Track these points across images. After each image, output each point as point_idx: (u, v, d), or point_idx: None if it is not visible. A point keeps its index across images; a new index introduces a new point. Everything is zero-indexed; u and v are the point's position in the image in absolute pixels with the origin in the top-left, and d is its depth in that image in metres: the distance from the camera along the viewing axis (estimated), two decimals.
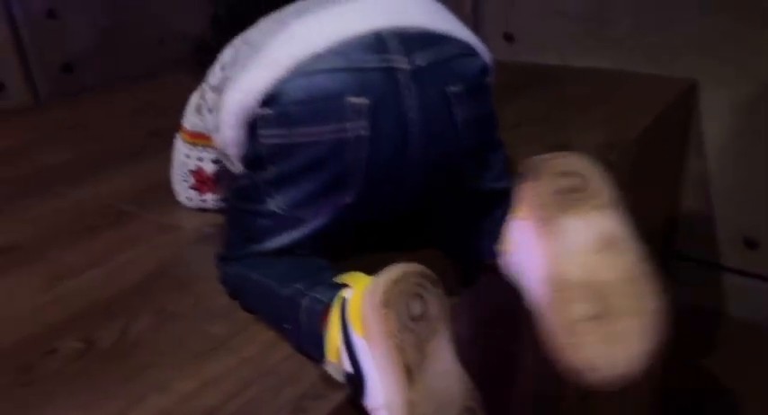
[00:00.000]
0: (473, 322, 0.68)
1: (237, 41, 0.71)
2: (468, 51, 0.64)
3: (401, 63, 0.59)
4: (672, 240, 1.36)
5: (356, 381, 0.52)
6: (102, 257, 0.77)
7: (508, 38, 1.43)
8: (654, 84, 1.24)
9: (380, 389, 0.50)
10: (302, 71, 0.59)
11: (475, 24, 1.46)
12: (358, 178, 0.60)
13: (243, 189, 0.66)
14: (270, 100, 0.60)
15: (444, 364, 0.50)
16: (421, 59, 0.60)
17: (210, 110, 0.71)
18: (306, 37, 0.60)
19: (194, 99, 0.80)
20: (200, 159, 0.81)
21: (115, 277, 0.73)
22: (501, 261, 0.61)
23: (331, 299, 0.54)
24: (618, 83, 1.27)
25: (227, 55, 0.71)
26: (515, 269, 0.59)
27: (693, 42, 1.23)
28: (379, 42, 0.59)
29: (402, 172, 0.61)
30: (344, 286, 0.55)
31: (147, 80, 1.44)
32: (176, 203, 0.87)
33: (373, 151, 0.59)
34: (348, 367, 0.52)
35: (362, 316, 0.50)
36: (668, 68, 1.27)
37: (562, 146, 0.93)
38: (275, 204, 0.62)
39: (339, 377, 0.54)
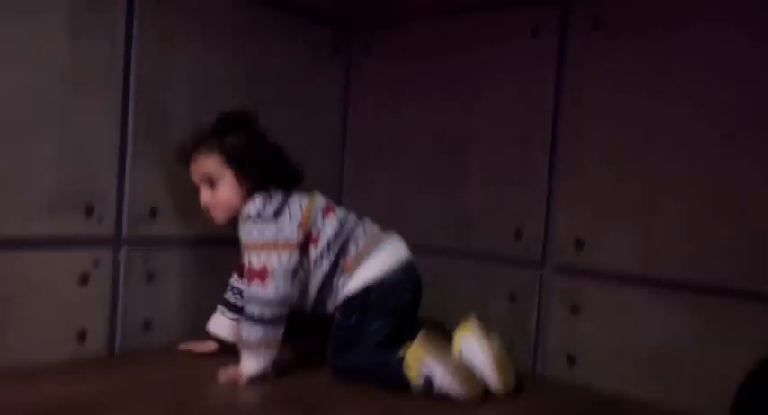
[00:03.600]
0: None
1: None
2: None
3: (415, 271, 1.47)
4: None
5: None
6: None
7: (570, 359, 1.49)
8: None
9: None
10: (391, 270, 1.42)
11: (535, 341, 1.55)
12: (407, 312, 1.44)
13: (352, 317, 1.41)
14: (379, 281, 1.40)
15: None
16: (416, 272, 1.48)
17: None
18: (390, 257, 1.44)
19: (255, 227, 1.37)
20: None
21: None
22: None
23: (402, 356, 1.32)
24: None
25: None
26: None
27: None
28: (411, 262, 1.47)
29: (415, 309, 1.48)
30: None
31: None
32: None
33: (407, 301, 1.44)
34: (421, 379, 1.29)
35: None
36: None
37: None
38: (377, 323, 1.39)
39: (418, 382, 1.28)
